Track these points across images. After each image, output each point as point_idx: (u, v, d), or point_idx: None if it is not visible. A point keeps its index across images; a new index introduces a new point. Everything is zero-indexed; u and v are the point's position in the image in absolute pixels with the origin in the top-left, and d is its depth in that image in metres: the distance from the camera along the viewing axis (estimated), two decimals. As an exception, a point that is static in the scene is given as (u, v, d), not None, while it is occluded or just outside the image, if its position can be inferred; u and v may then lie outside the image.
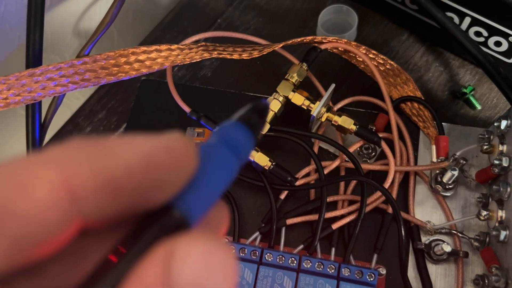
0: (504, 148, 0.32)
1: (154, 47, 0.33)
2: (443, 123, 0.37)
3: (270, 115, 0.35)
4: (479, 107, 0.40)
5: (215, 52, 0.34)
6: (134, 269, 0.11)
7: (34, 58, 0.34)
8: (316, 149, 0.37)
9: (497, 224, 0.31)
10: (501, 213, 0.31)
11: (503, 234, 0.30)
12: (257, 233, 0.35)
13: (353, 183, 0.36)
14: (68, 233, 0.11)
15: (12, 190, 0.11)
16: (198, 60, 0.34)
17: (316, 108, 0.34)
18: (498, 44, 0.37)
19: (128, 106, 0.43)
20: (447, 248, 0.32)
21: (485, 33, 0.37)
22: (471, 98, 0.40)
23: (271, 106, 0.35)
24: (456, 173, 0.33)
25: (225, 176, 0.14)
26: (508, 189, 0.31)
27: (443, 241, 0.33)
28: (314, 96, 0.36)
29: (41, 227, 0.11)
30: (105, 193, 0.11)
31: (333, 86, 0.34)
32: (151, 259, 0.11)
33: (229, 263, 0.11)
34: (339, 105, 0.38)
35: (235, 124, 0.15)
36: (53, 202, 0.11)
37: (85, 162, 0.11)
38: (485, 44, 0.38)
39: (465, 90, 0.40)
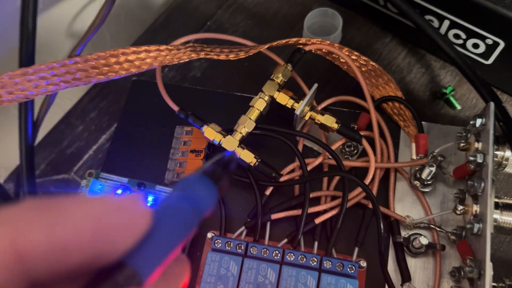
0: (479, 145, 0.34)
1: (143, 48, 0.34)
2: (423, 122, 0.38)
3: (256, 114, 0.36)
4: (459, 107, 0.41)
5: (202, 53, 0.36)
6: None
7: (27, 59, 0.35)
8: (300, 147, 0.38)
9: (472, 218, 0.32)
10: (476, 208, 0.32)
11: (476, 227, 0.31)
12: (243, 228, 0.36)
13: (336, 179, 0.37)
14: None
15: None
16: (186, 60, 0.35)
17: (300, 107, 0.35)
18: (476, 46, 0.39)
19: (119, 106, 0.44)
20: (424, 241, 0.33)
21: (463, 36, 0.39)
22: (451, 98, 0.41)
23: (256, 105, 0.36)
24: (433, 169, 0.34)
25: (181, 230, 0.14)
26: (482, 184, 0.32)
27: (421, 235, 0.34)
28: (299, 96, 0.37)
29: None
30: (55, 254, 0.12)
31: (315, 86, 0.36)
32: None
33: None
34: (323, 105, 0.39)
35: (198, 178, 0.15)
36: (1, 264, 0.11)
37: (35, 225, 0.12)
38: (463, 46, 0.39)
39: (445, 91, 0.41)
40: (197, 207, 0.15)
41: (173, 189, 0.15)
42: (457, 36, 0.39)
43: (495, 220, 0.32)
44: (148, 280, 0.13)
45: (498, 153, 0.34)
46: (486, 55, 0.39)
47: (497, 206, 0.32)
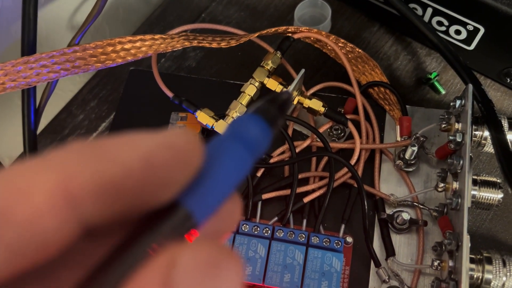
0: (459, 126, 0.35)
1: (139, 37, 0.36)
2: (407, 106, 0.40)
3: (247, 99, 0.38)
4: (443, 91, 0.43)
5: (195, 41, 0.37)
6: (134, 274, 0.11)
7: (28, 48, 0.37)
8: (290, 131, 0.40)
9: (452, 194, 0.34)
10: (456, 185, 0.34)
11: (455, 202, 0.33)
12: (235, 207, 0.38)
13: (324, 161, 0.39)
14: (69, 237, 0.11)
15: (9, 197, 0.11)
16: (180, 48, 0.37)
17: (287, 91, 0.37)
18: (458, 32, 0.40)
19: (118, 95, 0.46)
20: (406, 216, 0.35)
21: (446, 23, 0.40)
22: (436, 83, 0.43)
23: (247, 91, 0.38)
24: (415, 149, 0.36)
25: (236, 171, 0.13)
26: (461, 162, 0.33)
27: (404, 211, 0.36)
28: (289, 83, 0.39)
29: (39, 233, 0.11)
30: (105, 196, 0.11)
31: (303, 71, 0.37)
32: (151, 266, 0.10)
33: (236, 276, 0.10)
34: (311, 91, 0.41)
35: (251, 116, 0.14)
36: (51, 207, 0.11)
37: (83, 166, 0.11)
38: (447, 33, 0.41)
39: (430, 76, 0.43)
40: (250, 147, 0.13)
41: (226, 128, 0.14)
42: (440, 23, 0.41)
43: (474, 196, 0.34)
44: (204, 221, 0.13)
45: (477, 133, 0.35)
46: (468, 41, 0.40)
47: (475, 182, 0.34)
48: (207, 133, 0.41)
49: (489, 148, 0.36)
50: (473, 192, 0.34)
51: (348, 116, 0.39)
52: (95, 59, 0.36)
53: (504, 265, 0.31)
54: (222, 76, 0.46)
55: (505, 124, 0.35)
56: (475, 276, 0.31)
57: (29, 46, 0.37)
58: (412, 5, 0.40)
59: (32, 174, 0.11)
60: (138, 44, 0.36)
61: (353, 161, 0.37)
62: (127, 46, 0.36)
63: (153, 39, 0.37)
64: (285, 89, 0.38)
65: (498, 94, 0.42)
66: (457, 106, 0.35)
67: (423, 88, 0.43)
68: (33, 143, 0.39)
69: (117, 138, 0.12)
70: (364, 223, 0.35)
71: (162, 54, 0.48)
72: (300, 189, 0.37)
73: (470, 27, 0.39)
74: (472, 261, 0.31)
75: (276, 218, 0.37)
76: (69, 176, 0.11)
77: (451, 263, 0.32)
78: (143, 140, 0.12)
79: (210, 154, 0.13)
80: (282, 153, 0.39)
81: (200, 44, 0.37)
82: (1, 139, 0.51)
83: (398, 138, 0.38)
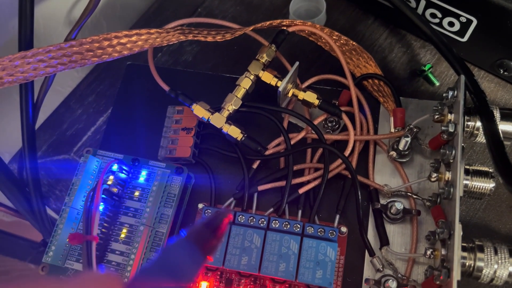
0: (452, 116, 0.36)
1: (134, 31, 0.37)
2: (401, 98, 0.40)
3: (242, 92, 0.38)
4: (437, 83, 0.43)
5: (190, 35, 0.38)
6: None
7: (25, 43, 0.37)
8: (285, 124, 0.41)
9: (444, 184, 0.34)
10: (448, 174, 0.34)
11: (447, 191, 0.33)
12: (231, 199, 0.38)
13: (319, 153, 0.39)
14: None
15: None
16: (175, 42, 0.37)
17: (282, 84, 0.37)
18: (451, 24, 0.41)
19: (116, 90, 0.47)
20: (399, 206, 0.35)
21: (439, 15, 0.40)
22: (430, 75, 0.43)
23: (242, 84, 0.38)
24: (408, 139, 0.36)
25: None
26: (453, 152, 0.34)
27: (397, 201, 0.36)
28: (284, 76, 0.39)
29: None
30: None
31: (297, 63, 0.38)
32: None
33: None
34: (306, 84, 0.41)
35: (181, 243, 0.15)
36: None
37: None
38: (440, 25, 0.41)
39: (424, 68, 0.43)
40: (177, 278, 0.14)
41: (156, 256, 0.15)
42: (433, 15, 0.41)
43: (466, 186, 0.34)
44: None
45: (470, 123, 0.36)
46: (461, 32, 0.41)
47: (468, 172, 0.34)
48: (204, 126, 0.41)
49: (482, 139, 0.36)
50: (465, 182, 0.34)
51: (343, 108, 0.39)
52: (92, 53, 0.36)
53: (496, 253, 0.32)
54: (218, 70, 0.46)
55: (497, 114, 0.35)
56: (467, 264, 0.32)
57: (26, 41, 0.37)
58: (405, -2, 0.41)
59: None
60: (134, 38, 0.37)
61: (347, 153, 0.38)
62: (123, 40, 0.36)
63: (149, 33, 0.37)
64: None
65: (491, 86, 0.43)
66: (449, 97, 0.36)
67: (418, 80, 0.44)
68: (32, 137, 0.40)
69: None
70: (358, 213, 0.36)
71: (159, 49, 0.48)
72: (295, 181, 0.38)
73: (463, 19, 0.39)
74: (464, 249, 0.32)
75: (271, 209, 0.38)
76: None
77: (443, 252, 0.32)
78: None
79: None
80: (278, 145, 0.40)
81: (195, 38, 0.38)
82: (0, 134, 0.51)
83: (392, 130, 0.39)
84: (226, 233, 0.17)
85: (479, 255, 0.32)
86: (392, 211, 0.36)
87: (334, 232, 0.35)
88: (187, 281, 0.15)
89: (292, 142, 0.38)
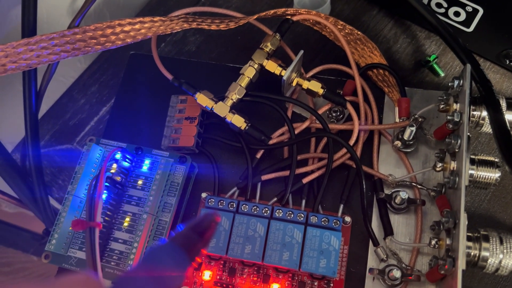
0: (457, 106, 0.35)
1: (138, 19, 0.36)
2: (406, 88, 0.40)
3: (246, 81, 0.38)
4: (442, 74, 0.43)
5: (194, 23, 0.38)
6: None
7: (29, 31, 0.37)
8: (289, 113, 0.40)
9: (449, 173, 0.34)
10: (454, 164, 0.34)
11: (452, 180, 0.33)
12: (235, 189, 0.38)
13: (323, 143, 0.39)
14: None
15: None
16: (179, 30, 0.37)
17: (287, 72, 0.37)
18: (457, 14, 0.40)
19: (119, 80, 0.46)
20: (404, 195, 0.35)
21: (444, 4, 0.40)
22: (435, 66, 0.43)
23: (246, 72, 0.38)
24: (413, 129, 0.36)
25: None
26: (459, 141, 0.34)
27: (402, 191, 0.36)
28: (288, 65, 0.39)
29: None
30: None
31: (301, 52, 0.38)
32: None
33: None
34: (310, 73, 0.41)
35: (166, 247, 0.15)
36: None
37: None
38: (446, 15, 0.41)
39: (429, 59, 0.43)
40: (162, 281, 0.14)
41: (141, 259, 0.15)
42: (439, 5, 0.41)
43: (471, 175, 0.34)
44: None
45: (476, 113, 0.35)
46: (467, 22, 0.40)
47: (473, 162, 0.34)
48: (207, 116, 0.41)
49: (487, 128, 0.36)
50: (470, 171, 0.34)
51: (347, 98, 0.39)
52: (95, 41, 0.36)
53: (501, 242, 0.31)
54: (222, 60, 0.46)
55: (503, 103, 0.35)
56: (472, 253, 0.31)
57: (29, 29, 0.37)
58: (411, -13, 0.40)
59: None
60: (137, 26, 0.36)
61: (351, 142, 0.37)
62: (126, 28, 0.36)
63: (152, 21, 0.37)
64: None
65: (497, 76, 0.42)
66: (455, 87, 0.35)
67: (422, 71, 0.43)
68: (35, 126, 0.39)
69: None
70: (362, 203, 0.35)
71: (162, 39, 0.48)
72: (299, 170, 0.37)
73: (469, 8, 0.39)
74: (469, 239, 0.32)
75: (275, 199, 0.37)
76: None
77: (448, 241, 0.32)
78: None
79: None
80: (282, 134, 0.39)
81: (199, 26, 0.37)
82: (3, 125, 0.51)
83: (397, 120, 0.39)
84: (213, 236, 0.17)
85: (484, 244, 0.31)
86: (396, 201, 0.36)
87: (338, 222, 0.35)
88: (173, 282, 0.14)
89: (296, 132, 0.38)
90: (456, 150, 0.34)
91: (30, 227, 0.64)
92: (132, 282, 0.14)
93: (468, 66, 0.35)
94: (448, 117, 0.35)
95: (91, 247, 0.29)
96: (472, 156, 0.34)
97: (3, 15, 0.43)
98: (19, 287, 0.13)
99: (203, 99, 0.38)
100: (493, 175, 0.34)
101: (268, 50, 0.38)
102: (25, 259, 0.70)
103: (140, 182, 0.38)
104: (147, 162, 0.38)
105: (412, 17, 0.45)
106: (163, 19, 0.37)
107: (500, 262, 0.31)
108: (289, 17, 0.40)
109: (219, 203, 0.36)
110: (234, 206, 0.36)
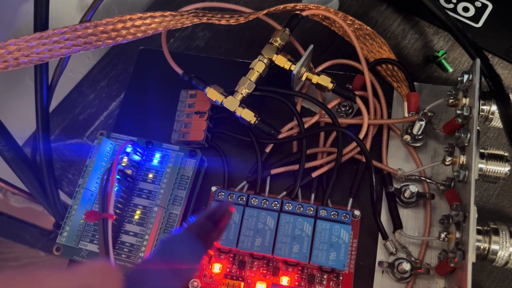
0: (467, 100, 0.36)
1: (149, 14, 0.37)
2: (415, 83, 0.40)
3: (256, 75, 0.38)
4: (450, 69, 0.43)
5: (204, 18, 0.38)
6: None
7: (41, 25, 0.37)
8: (299, 108, 0.41)
9: (459, 167, 0.34)
10: (463, 158, 0.34)
11: (462, 174, 0.33)
12: (244, 182, 0.38)
13: (332, 137, 0.39)
14: None
15: None
16: (189, 24, 0.37)
17: (296, 67, 0.37)
18: (466, 9, 0.40)
19: (128, 75, 0.47)
20: (413, 188, 0.35)
21: (453, 0, 0.40)
22: (443, 61, 0.43)
23: (256, 67, 0.38)
24: (423, 123, 0.36)
25: None
26: (468, 135, 0.34)
27: (411, 184, 0.36)
28: (297, 61, 0.39)
29: None
30: None
31: (311, 47, 0.38)
32: None
33: None
34: (320, 68, 0.41)
35: (181, 236, 0.14)
36: None
37: None
38: (454, 10, 0.41)
39: (437, 54, 0.43)
40: (177, 271, 0.14)
41: (156, 248, 0.14)
42: (448, 1, 0.41)
43: (481, 169, 0.34)
44: None
45: (485, 107, 0.35)
46: (476, 18, 0.40)
47: (483, 156, 0.34)
48: (217, 110, 0.41)
49: (497, 123, 0.36)
50: (480, 165, 0.34)
51: (356, 93, 0.39)
52: (106, 35, 0.36)
53: (511, 236, 0.31)
54: (230, 55, 0.46)
55: (512, 98, 0.35)
56: (481, 247, 0.31)
57: (41, 23, 0.37)
58: (420, -18, 0.41)
59: None
60: (148, 21, 0.37)
61: (361, 136, 0.37)
62: (137, 22, 0.36)
63: (163, 16, 0.37)
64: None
65: (505, 72, 0.43)
66: (464, 81, 0.35)
67: (431, 66, 0.44)
68: (46, 120, 0.40)
69: (33, 277, 0.12)
70: (372, 196, 0.36)
71: (171, 34, 0.48)
72: (308, 164, 0.38)
73: (478, 4, 0.39)
74: (479, 232, 0.32)
75: (284, 193, 0.38)
76: None
77: (458, 235, 0.32)
78: (58, 282, 0.12)
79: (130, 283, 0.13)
80: (291, 129, 0.40)
81: (209, 21, 0.38)
82: (13, 120, 0.52)
83: (406, 114, 0.39)
84: (227, 226, 0.17)
85: (494, 238, 0.31)
86: (406, 195, 0.36)
87: (348, 215, 0.35)
88: (188, 273, 0.15)
89: (305, 126, 0.38)
90: (466, 144, 0.34)
91: (38, 222, 0.65)
92: (145, 274, 0.14)
93: (478, 60, 0.35)
94: (458, 112, 0.35)
95: (104, 238, 0.30)
96: (482, 150, 0.34)
97: (14, 9, 0.43)
98: (43, 274, 0.13)
99: (213, 93, 0.38)
100: (502, 169, 0.34)
101: (277, 44, 0.39)
102: (33, 254, 0.70)
103: (150, 175, 0.38)
104: (157, 155, 0.38)
105: (420, 12, 0.45)
106: (174, 13, 0.37)
107: (510, 255, 0.31)
108: (299, 12, 0.40)
109: (229, 197, 0.37)
110: (244, 199, 0.36)
